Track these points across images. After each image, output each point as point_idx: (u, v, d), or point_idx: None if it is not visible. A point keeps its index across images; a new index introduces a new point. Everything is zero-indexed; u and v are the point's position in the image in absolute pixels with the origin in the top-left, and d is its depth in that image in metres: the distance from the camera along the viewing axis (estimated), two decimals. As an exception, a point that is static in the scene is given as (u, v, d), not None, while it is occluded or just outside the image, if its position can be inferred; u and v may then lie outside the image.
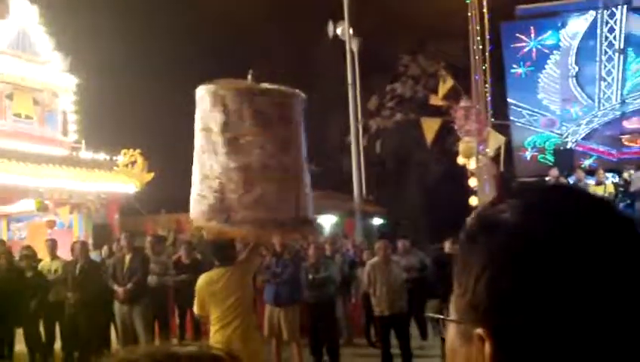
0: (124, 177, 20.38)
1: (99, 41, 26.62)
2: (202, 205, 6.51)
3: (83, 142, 21.05)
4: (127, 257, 11.71)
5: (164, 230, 18.39)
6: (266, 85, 6.90)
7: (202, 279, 7.51)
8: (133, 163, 20.76)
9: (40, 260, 12.81)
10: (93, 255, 14.16)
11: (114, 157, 20.87)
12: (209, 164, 6.41)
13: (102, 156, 20.68)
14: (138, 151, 20.88)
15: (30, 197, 18.08)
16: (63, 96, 21.02)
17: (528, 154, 28.89)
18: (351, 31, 26.93)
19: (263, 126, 6.47)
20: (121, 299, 11.40)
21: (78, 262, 11.89)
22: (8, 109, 19.35)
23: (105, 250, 15.13)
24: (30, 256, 12.67)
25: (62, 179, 18.20)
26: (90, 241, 17.66)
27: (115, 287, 11.45)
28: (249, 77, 6.94)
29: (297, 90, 7.02)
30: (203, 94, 6.57)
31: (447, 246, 12.70)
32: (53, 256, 12.72)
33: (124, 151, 20.96)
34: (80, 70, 21.42)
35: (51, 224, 18.70)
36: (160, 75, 29.46)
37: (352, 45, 27.23)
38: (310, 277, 11.61)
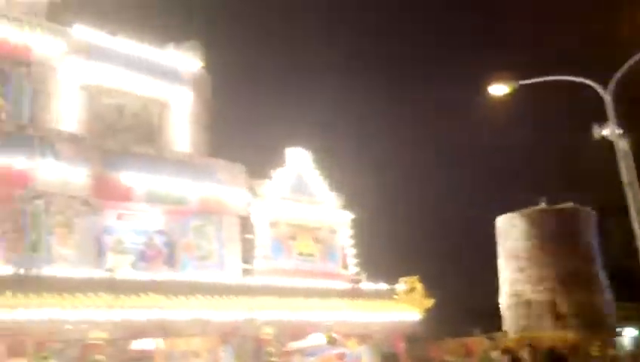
0: (406, 305, 20.52)
1: (370, 176, 27.83)
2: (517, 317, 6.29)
3: (363, 274, 21.69)
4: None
5: (452, 356, 18.00)
6: (557, 206, 6.91)
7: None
8: (413, 290, 20.90)
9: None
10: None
11: (393, 286, 21.19)
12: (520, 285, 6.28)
13: (382, 286, 21.06)
14: (416, 277, 21.04)
15: (320, 331, 18.72)
16: (341, 231, 22.05)
17: None
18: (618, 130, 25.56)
19: (557, 241, 6.36)
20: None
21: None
22: (293, 249, 20.69)
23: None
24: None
25: (346, 311, 18.70)
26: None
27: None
28: (542, 203, 6.93)
29: (587, 208, 6.92)
30: (503, 224, 6.64)
31: None
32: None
33: (402, 279, 21.24)
34: (354, 206, 22.45)
35: (341, 356, 19.18)
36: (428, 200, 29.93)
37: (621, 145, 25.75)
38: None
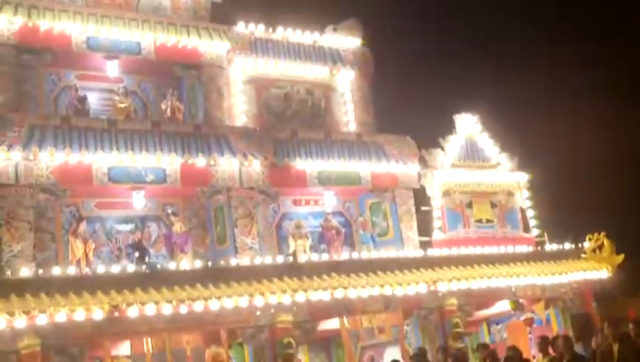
0: (594, 263, 19.75)
1: (540, 132, 26.90)
2: None
3: (545, 235, 21.08)
4: (615, 347, 11.05)
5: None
6: None
7: None
8: (600, 247, 20.08)
9: (526, 360, 12.78)
10: (577, 348, 13.67)
11: (579, 245, 20.44)
12: None
13: (567, 246, 20.37)
14: (603, 234, 20.18)
15: (505, 298, 18.46)
16: (518, 194, 21.52)
17: None
18: None
19: None
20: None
21: (563, 358, 11.58)
22: (470, 217, 20.50)
23: (593, 341, 14.47)
24: (515, 356, 12.74)
25: (531, 276, 18.27)
26: (570, 334, 17.24)
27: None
28: None
29: None
30: None
31: None
32: (545, 354, 12.62)
33: (589, 236, 20.44)
34: (528, 165, 21.84)
35: (529, 322, 18.80)
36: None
37: None
38: None
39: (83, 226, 15.64)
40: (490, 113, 22.22)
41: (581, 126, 30.31)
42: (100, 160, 15.77)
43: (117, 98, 17.87)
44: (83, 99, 17.49)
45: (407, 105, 29.14)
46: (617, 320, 12.94)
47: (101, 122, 16.51)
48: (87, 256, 15.14)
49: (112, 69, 18.18)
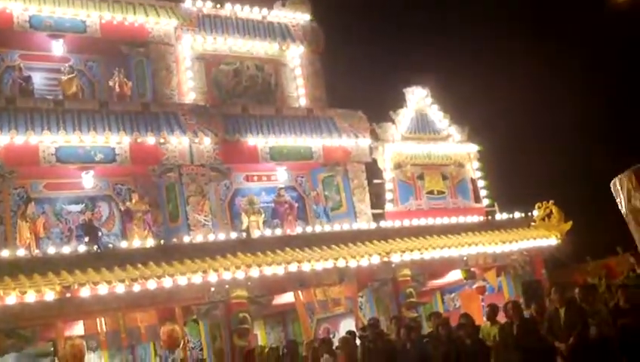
0: (543, 231, 20.15)
1: (489, 104, 27.23)
2: None
3: (495, 204, 21.43)
4: (562, 311, 11.34)
5: (594, 278, 17.56)
6: None
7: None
8: (549, 215, 20.47)
9: (478, 326, 13.03)
10: (527, 313, 13.98)
11: (529, 214, 20.82)
12: None
13: (517, 214, 20.75)
14: (552, 202, 20.57)
15: (457, 268, 18.77)
16: (468, 165, 21.81)
17: None
18: None
19: None
20: (565, 355, 11.00)
21: (513, 323, 11.84)
22: (422, 189, 20.73)
23: (533, 307, 14.83)
24: (467, 323, 12.97)
25: (482, 245, 18.58)
26: (520, 300, 17.61)
27: (557, 344, 11.11)
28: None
29: None
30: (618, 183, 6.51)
31: None
32: (493, 322, 12.86)
33: (537, 205, 20.82)
34: (478, 137, 22.12)
35: (481, 290, 19.17)
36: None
37: None
38: None
39: (32, 208, 15.43)
40: (439, 86, 22.42)
41: (530, 96, 30.77)
42: (47, 140, 15.55)
43: (64, 78, 17.58)
44: (27, 79, 17.17)
45: (358, 80, 29.19)
46: (564, 285, 13.26)
47: (47, 102, 16.26)
48: (36, 237, 14.93)
49: (57, 48, 17.87)
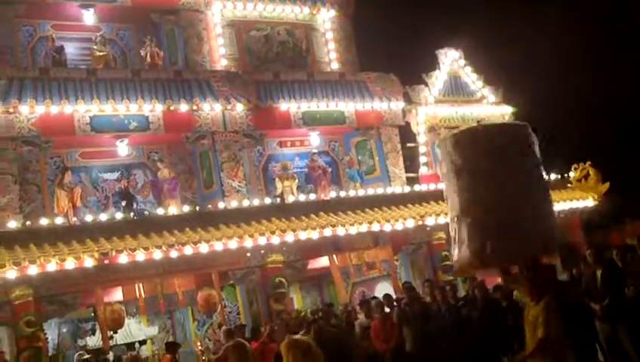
0: (580, 193, 19.92)
1: (524, 65, 26.80)
2: None
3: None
4: (599, 272, 11.22)
5: (632, 238, 17.30)
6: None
7: None
8: (586, 176, 20.22)
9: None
10: (564, 276, 13.86)
11: (565, 175, 20.58)
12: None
13: (553, 176, 20.50)
14: (588, 163, 20.30)
15: (492, 230, 18.63)
16: (503, 127, 21.52)
17: None
18: None
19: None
20: (601, 316, 10.90)
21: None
22: (456, 153, 20.48)
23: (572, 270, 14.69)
24: (503, 286, 12.91)
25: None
26: (557, 262, 17.48)
27: (592, 305, 11.02)
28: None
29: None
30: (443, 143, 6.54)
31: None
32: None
33: (574, 166, 20.57)
34: (513, 99, 21.81)
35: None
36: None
37: None
38: None
39: (68, 177, 15.60)
40: (473, 47, 22.07)
41: (568, 56, 30.20)
42: (81, 110, 15.66)
43: (95, 47, 17.65)
44: (60, 50, 17.26)
45: (390, 43, 28.89)
46: (600, 246, 13.11)
47: (80, 72, 16.35)
48: (74, 206, 15.14)
49: (89, 17, 17.95)
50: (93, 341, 16.53)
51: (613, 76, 28.99)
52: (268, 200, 16.51)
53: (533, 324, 6.70)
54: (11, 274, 12.31)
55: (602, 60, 29.62)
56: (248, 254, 14.79)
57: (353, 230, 15.88)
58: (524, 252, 6.32)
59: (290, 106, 18.37)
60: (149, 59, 17.91)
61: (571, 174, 20.56)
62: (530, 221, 6.25)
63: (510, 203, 6.22)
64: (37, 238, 13.17)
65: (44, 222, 13.91)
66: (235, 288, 16.21)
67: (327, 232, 15.51)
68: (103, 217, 14.52)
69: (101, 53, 17.55)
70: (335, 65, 20.59)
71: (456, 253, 6.88)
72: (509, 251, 6.29)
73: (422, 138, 20.26)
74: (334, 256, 16.80)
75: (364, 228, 16.01)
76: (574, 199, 19.67)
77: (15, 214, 14.50)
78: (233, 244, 14.35)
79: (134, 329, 16.98)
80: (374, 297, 14.12)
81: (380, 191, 18.07)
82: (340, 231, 15.68)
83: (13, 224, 13.77)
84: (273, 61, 19.82)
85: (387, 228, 16.33)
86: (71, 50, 17.85)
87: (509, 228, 6.08)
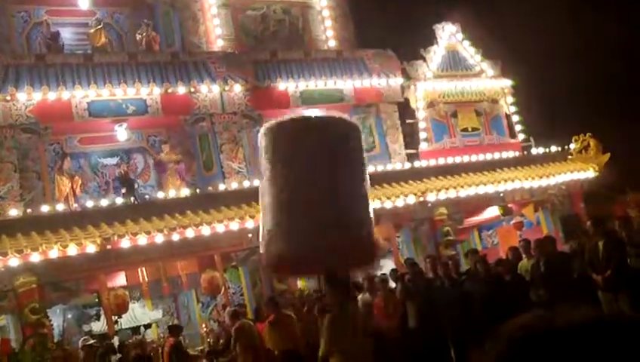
0: (581, 164, 19.89)
1: (520, 37, 26.62)
2: None
3: (531, 139, 21.14)
4: (600, 244, 11.23)
5: (634, 209, 17.31)
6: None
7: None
8: (587, 148, 20.18)
9: (516, 262, 12.98)
10: (566, 248, 13.89)
11: (566, 147, 20.55)
12: None
13: (553, 148, 20.49)
14: (589, 135, 20.25)
15: (494, 204, 18.66)
16: (502, 100, 21.47)
17: None
18: None
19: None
20: (603, 286, 10.93)
21: (540, 260, 11.76)
22: (456, 127, 20.47)
23: (572, 242, 14.72)
24: (506, 259, 12.94)
25: (519, 180, 18.42)
26: (560, 235, 17.51)
27: (594, 276, 11.03)
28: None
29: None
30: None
31: None
32: (529, 256, 12.80)
33: (574, 137, 20.53)
34: (512, 72, 21.70)
35: (519, 225, 19.03)
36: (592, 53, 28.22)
37: None
38: None
39: (68, 163, 15.61)
40: (470, 21, 21.91)
41: (566, 28, 29.98)
42: (79, 95, 15.62)
43: (91, 30, 17.56)
44: (56, 35, 17.18)
45: (387, 19, 28.68)
46: (602, 218, 13.10)
47: (76, 57, 16.28)
48: (74, 192, 15.15)
49: (83, 1, 17.84)
50: (98, 326, 16.58)
51: (613, 47, 28.80)
52: (268, 181, 16.48)
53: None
54: (14, 261, 12.35)
55: (603, 30, 29.40)
56: (250, 235, 14.77)
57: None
58: (324, 262, 5.19)
59: (288, 86, 18.30)
60: (144, 43, 17.80)
61: (572, 146, 20.52)
62: (338, 229, 4.86)
63: (319, 209, 4.95)
64: (39, 225, 13.21)
65: (45, 209, 13.94)
66: (238, 269, 16.24)
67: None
68: (104, 202, 14.55)
69: (97, 28, 17.36)
70: (332, 43, 20.48)
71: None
72: (308, 260, 5.09)
73: (421, 114, 20.18)
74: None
75: (364, 205, 15.94)
76: (575, 170, 19.66)
77: (16, 202, 14.52)
78: (235, 226, 14.36)
79: (139, 313, 17.04)
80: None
81: (380, 168, 18.03)
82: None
83: (14, 212, 13.81)
84: (270, 40, 19.70)
85: (388, 205, 16.31)
86: (67, 35, 17.77)
87: (310, 236, 4.79)
